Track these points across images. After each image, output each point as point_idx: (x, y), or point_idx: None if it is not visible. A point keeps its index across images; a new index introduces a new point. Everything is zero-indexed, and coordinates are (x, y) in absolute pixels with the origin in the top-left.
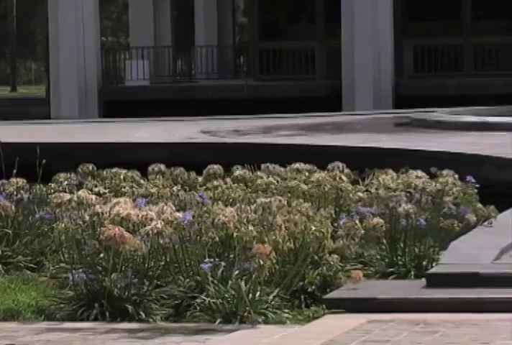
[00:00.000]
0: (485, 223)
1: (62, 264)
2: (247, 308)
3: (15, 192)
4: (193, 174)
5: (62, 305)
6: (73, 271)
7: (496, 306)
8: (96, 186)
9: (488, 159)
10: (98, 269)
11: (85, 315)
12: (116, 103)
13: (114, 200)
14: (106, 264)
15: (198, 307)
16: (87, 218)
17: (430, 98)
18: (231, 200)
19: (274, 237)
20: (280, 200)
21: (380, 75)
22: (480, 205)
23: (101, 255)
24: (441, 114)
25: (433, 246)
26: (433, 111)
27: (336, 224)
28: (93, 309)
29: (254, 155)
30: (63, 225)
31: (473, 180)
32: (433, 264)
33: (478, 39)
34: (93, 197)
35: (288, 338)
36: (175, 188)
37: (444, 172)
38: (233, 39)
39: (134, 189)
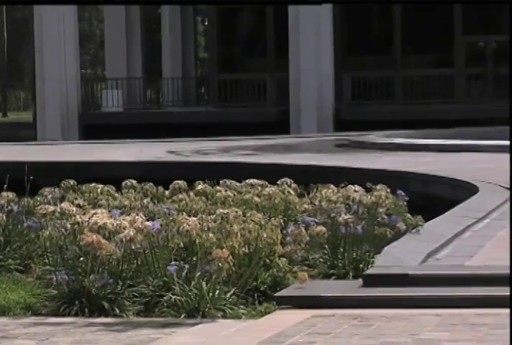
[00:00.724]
0: (413, 230)
1: (47, 267)
2: (208, 305)
3: (6, 205)
4: (160, 188)
5: (47, 303)
6: (57, 272)
7: (423, 302)
8: (76, 199)
9: (415, 175)
10: (78, 271)
11: (67, 311)
12: (94, 127)
13: (92, 211)
14: (85, 266)
15: (165, 304)
16: (68, 226)
17: (366, 122)
18: (193, 211)
19: (231, 243)
20: (236, 211)
21: (322, 102)
22: (408, 215)
23: (81, 259)
24: (375, 137)
25: (369, 250)
26: (369, 134)
27: (284, 232)
28: (73, 306)
29: (214, 172)
30: (48, 233)
31: (403, 194)
32: (369, 267)
33: (407, 71)
34: (74, 208)
35: (243, 331)
36: (145, 201)
37: (378, 186)
38: (195, 71)
39: (109, 201)
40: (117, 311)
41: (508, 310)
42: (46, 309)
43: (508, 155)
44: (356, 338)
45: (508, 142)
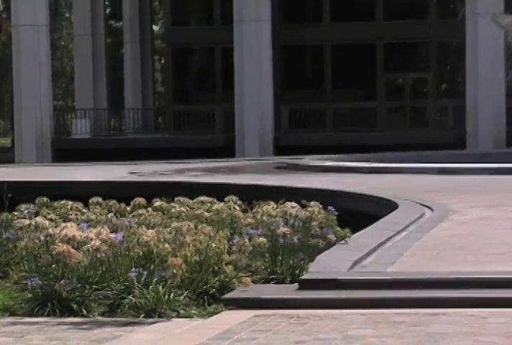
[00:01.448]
0: (342, 241)
1: (23, 273)
2: (164, 306)
3: None
4: (123, 205)
5: (23, 305)
6: (31, 278)
7: (350, 304)
8: (49, 214)
9: (343, 193)
10: (51, 276)
11: (40, 312)
12: (65, 151)
13: (63, 225)
14: (57, 272)
15: (127, 306)
16: (42, 238)
17: (301, 148)
18: (151, 225)
19: (184, 252)
20: (188, 225)
21: (263, 130)
22: (338, 228)
23: (53, 266)
24: (309, 160)
25: (304, 258)
26: (304, 158)
27: (231, 242)
28: (46, 307)
29: (170, 190)
30: (24, 243)
31: (333, 209)
32: (304, 272)
33: (336, 104)
34: (47, 222)
35: (195, 329)
36: (109, 215)
37: (311, 203)
38: (153, 103)
39: (78, 216)
40: (85, 312)
41: (424, 310)
42: (22, 310)
43: (423, 176)
44: (292, 334)
45: (423, 165)
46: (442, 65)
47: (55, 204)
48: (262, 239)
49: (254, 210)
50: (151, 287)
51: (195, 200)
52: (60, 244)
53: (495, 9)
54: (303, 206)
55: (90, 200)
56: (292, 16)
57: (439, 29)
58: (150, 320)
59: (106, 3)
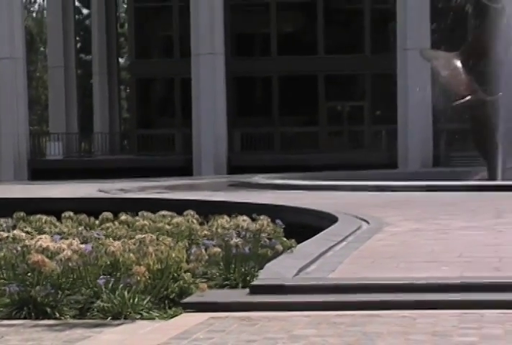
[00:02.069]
0: (288, 251)
1: (1, 281)
2: (129, 309)
3: None
4: (92, 218)
5: (1, 309)
6: (9, 285)
7: (295, 307)
8: (25, 227)
9: (289, 208)
10: (27, 283)
11: (17, 315)
12: (40, 171)
13: (38, 237)
14: (32, 280)
15: (96, 309)
16: (19, 248)
17: (252, 167)
18: (118, 236)
19: (147, 261)
20: (151, 236)
21: (218, 152)
22: (284, 239)
23: (29, 274)
24: (259, 178)
25: (254, 266)
26: (254, 177)
27: (189, 252)
28: (23, 311)
29: (134, 206)
30: (2, 253)
31: (280, 222)
32: (254, 279)
33: (283, 128)
34: (24, 234)
35: (157, 329)
36: (80, 228)
37: (261, 217)
38: (119, 128)
39: (51, 229)
40: (57, 315)
41: (361, 312)
42: (1, 314)
43: (360, 192)
44: (244, 334)
45: (360, 183)
46: (376, 94)
47: (31, 218)
48: (217, 249)
49: (209, 223)
50: (117, 292)
51: (157, 215)
52: (36, 254)
53: (422, 45)
54: (254, 219)
55: (63, 215)
56: (243, 50)
57: (373, 62)
58: (117, 322)
59: (77, 38)
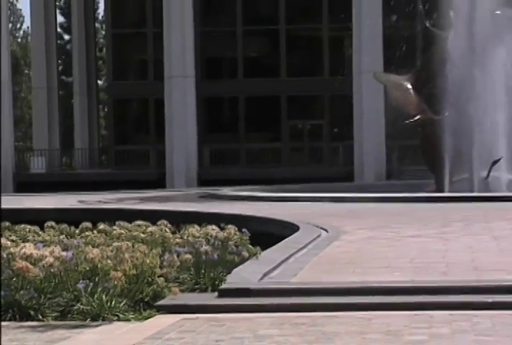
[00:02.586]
0: (254, 257)
1: None
2: (107, 312)
3: None
4: (72, 228)
5: None
6: None
7: (260, 308)
8: (10, 236)
9: (255, 218)
10: (12, 288)
11: (3, 317)
12: (24, 184)
13: (22, 245)
14: (17, 284)
15: (76, 312)
16: (4, 256)
17: (220, 181)
18: (96, 244)
19: (123, 267)
20: (127, 244)
21: (189, 166)
22: (250, 246)
23: (14, 279)
24: (227, 191)
25: (222, 271)
26: (222, 189)
27: (162, 258)
28: (8, 313)
29: (112, 216)
30: None
31: (246, 231)
32: (222, 283)
33: (249, 145)
34: (9, 242)
35: (132, 330)
36: (61, 237)
37: (229, 226)
38: (98, 144)
39: (35, 237)
40: (40, 317)
41: (320, 313)
42: None
43: (319, 203)
44: (213, 334)
45: (319, 194)
46: (334, 114)
47: (16, 227)
48: (188, 256)
49: (181, 232)
50: (96, 296)
51: (132, 224)
52: (20, 260)
53: (376, 68)
54: (222, 228)
55: (46, 224)
56: (212, 73)
57: (331, 84)
58: (95, 323)
59: (59, 61)
